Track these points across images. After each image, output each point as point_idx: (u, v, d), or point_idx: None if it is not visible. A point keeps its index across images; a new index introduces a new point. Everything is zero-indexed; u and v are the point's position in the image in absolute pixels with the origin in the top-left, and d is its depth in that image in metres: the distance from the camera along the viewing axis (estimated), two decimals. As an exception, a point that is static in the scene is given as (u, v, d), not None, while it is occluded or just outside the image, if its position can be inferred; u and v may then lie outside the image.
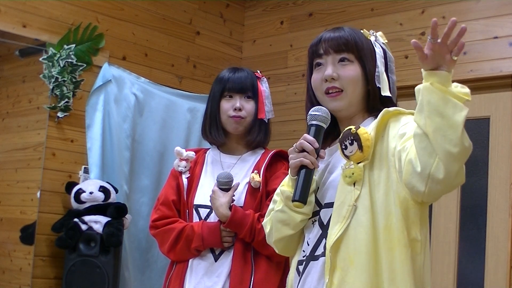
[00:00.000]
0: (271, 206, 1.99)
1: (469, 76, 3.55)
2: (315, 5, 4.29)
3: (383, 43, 1.99)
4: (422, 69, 1.67)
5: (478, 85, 3.54)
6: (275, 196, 1.98)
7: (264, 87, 2.78)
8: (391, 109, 1.84)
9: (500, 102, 3.49)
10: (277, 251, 2.04)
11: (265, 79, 2.82)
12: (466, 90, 1.66)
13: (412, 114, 1.75)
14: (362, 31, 1.99)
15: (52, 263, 3.54)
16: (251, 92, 2.74)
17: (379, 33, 2.00)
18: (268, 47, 4.47)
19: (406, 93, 2.66)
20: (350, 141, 1.80)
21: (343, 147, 1.81)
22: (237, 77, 2.74)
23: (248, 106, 2.72)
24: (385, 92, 1.92)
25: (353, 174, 1.78)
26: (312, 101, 1.98)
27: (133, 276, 3.71)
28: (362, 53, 1.93)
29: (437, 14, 3.73)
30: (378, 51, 1.95)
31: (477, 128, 3.53)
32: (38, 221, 3.52)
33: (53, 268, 3.54)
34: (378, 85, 1.91)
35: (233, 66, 2.86)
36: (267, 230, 2.01)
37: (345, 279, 1.75)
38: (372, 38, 1.98)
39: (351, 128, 1.81)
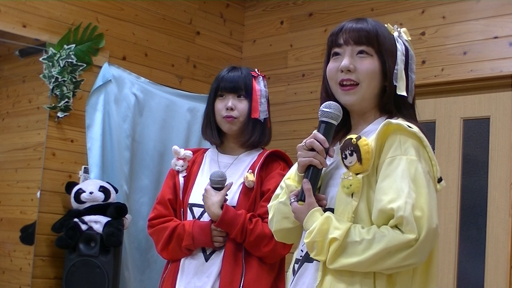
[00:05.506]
0: (277, 191, 1.95)
1: (469, 76, 3.56)
2: (315, 5, 4.29)
3: (406, 40, 1.90)
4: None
5: (478, 85, 3.55)
6: (281, 185, 1.94)
7: (260, 86, 2.73)
8: (393, 122, 1.75)
9: (500, 102, 3.49)
10: (276, 239, 2.00)
11: (261, 77, 2.76)
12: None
13: (413, 133, 1.72)
14: (386, 25, 1.91)
15: (52, 263, 3.54)
16: (244, 92, 2.70)
17: (403, 30, 1.91)
18: (268, 47, 4.47)
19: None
20: (350, 152, 1.72)
21: (343, 156, 1.75)
22: (231, 77, 2.71)
23: (241, 105, 2.69)
24: (401, 91, 1.83)
25: (351, 185, 1.73)
26: (327, 91, 1.92)
27: (133, 276, 3.70)
28: (383, 48, 1.84)
29: (437, 14, 3.73)
30: (400, 48, 1.86)
31: (477, 128, 3.52)
32: (38, 221, 3.52)
33: (53, 268, 3.54)
34: (395, 83, 1.83)
35: (232, 65, 2.84)
36: (269, 216, 1.97)
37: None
38: (395, 34, 1.89)
39: (352, 138, 1.74)
